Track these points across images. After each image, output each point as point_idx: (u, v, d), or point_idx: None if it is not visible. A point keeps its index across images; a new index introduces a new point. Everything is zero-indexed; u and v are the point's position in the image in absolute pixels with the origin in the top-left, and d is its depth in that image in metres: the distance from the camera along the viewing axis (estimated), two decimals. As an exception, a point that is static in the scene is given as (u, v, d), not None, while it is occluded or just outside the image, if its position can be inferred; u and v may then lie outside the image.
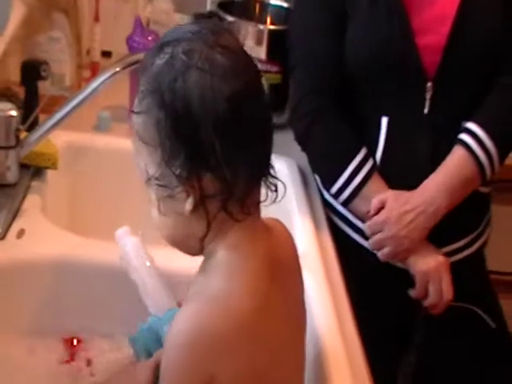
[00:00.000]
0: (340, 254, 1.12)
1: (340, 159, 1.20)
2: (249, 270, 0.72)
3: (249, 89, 0.71)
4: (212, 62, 0.69)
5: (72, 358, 1.00)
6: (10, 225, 1.05)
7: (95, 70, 1.56)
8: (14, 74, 1.29)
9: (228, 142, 0.69)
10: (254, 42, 1.40)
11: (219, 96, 0.68)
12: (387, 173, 1.19)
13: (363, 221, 1.20)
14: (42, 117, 1.23)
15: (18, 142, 1.10)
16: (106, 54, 1.62)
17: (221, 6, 1.49)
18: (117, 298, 1.00)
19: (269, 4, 1.54)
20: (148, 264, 0.90)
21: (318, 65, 1.21)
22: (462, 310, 1.23)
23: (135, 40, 1.46)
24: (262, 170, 0.73)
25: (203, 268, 0.75)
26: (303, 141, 1.25)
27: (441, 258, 1.16)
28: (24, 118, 1.15)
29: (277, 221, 0.80)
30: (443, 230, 1.16)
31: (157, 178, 0.71)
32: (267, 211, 0.77)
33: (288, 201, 1.21)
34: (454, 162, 1.16)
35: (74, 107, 1.10)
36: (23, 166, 1.13)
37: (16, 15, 1.20)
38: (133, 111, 0.72)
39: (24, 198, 1.12)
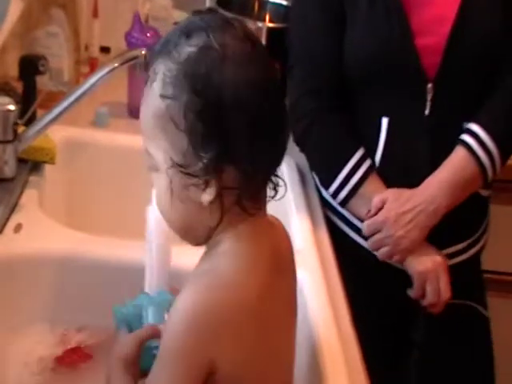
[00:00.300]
0: (337, 252, 1.12)
1: (337, 159, 1.20)
2: (254, 259, 0.73)
3: (275, 85, 0.73)
4: (245, 55, 0.71)
5: (68, 352, 1.00)
6: (7, 219, 1.05)
7: (94, 66, 1.56)
8: (13, 69, 1.29)
9: (257, 137, 0.70)
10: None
11: (253, 93, 0.69)
12: (387, 174, 1.18)
13: (361, 221, 1.20)
14: (39, 112, 1.23)
15: (16, 137, 1.10)
16: (105, 50, 1.62)
17: (219, 3, 1.48)
18: (114, 294, 1.00)
19: (267, 2, 1.54)
20: (162, 243, 0.87)
21: (315, 64, 1.21)
22: (460, 307, 1.23)
23: (134, 36, 1.46)
24: (277, 166, 0.74)
25: (207, 255, 0.75)
26: (301, 141, 1.25)
27: (438, 258, 1.16)
28: (22, 112, 1.15)
29: (276, 219, 0.81)
30: (442, 233, 1.16)
31: (180, 166, 0.70)
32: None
33: (286, 199, 1.21)
34: (455, 163, 1.16)
35: (72, 102, 1.11)
36: (21, 161, 1.13)
37: (14, 10, 1.19)
38: (161, 95, 0.71)
39: (22, 192, 1.12)
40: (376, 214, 1.16)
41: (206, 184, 0.70)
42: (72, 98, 1.10)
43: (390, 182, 1.18)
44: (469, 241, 1.24)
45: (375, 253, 1.18)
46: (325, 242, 1.14)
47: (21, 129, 1.12)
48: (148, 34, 1.46)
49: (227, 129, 0.69)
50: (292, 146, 1.28)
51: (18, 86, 1.25)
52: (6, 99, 1.09)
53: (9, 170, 1.11)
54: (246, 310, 0.71)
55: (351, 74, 1.20)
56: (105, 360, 0.77)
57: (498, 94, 1.19)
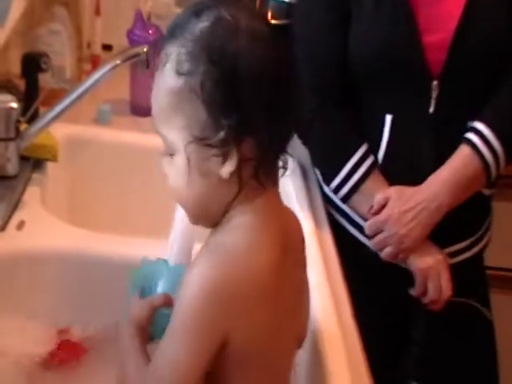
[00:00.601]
0: (339, 249, 1.12)
1: (340, 155, 1.20)
2: (267, 235, 0.73)
3: (287, 54, 0.74)
4: (258, 27, 0.71)
5: (68, 349, 1.00)
6: (10, 216, 1.06)
7: (96, 63, 1.56)
8: (15, 67, 1.30)
9: (271, 105, 0.70)
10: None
11: (269, 60, 0.70)
12: (390, 171, 1.18)
13: (363, 217, 1.20)
14: (42, 109, 1.23)
15: (19, 134, 1.10)
16: (107, 48, 1.62)
17: None
18: (116, 290, 1.00)
19: (269, -2, 1.53)
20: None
21: (318, 63, 1.21)
22: (461, 305, 1.23)
23: (136, 33, 1.46)
24: (290, 140, 0.75)
25: (220, 228, 0.74)
26: (304, 136, 1.25)
27: (439, 256, 1.16)
28: (24, 110, 1.15)
29: (292, 211, 0.82)
30: (444, 231, 1.16)
31: (200, 139, 0.71)
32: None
33: (288, 195, 1.22)
34: (459, 160, 1.15)
35: (75, 100, 1.11)
36: (23, 158, 1.14)
37: (17, 8, 1.20)
38: (177, 72, 0.71)
39: (24, 189, 1.12)
40: (378, 210, 1.16)
41: (226, 156, 0.71)
42: (74, 96, 1.11)
43: (393, 179, 1.18)
44: (471, 239, 1.24)
45: (379, 253, 1.18)
46: (327, 238, 1.14)
47: (23, 126, 1.12)
48: (150, 32, 1.46)
49: (245, 98, 0.69)
50: (294, 142, 1.28)
51: (21, 84, 1.26)
52: (8, 97, 1.10)
53: (11, 168, 1.11)
54: (258, 286, 0.71)
55: (356, 71, 1.20)
56: (103, 356, 0.78)
57: (503, 92, 1.18)
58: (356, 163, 1.18)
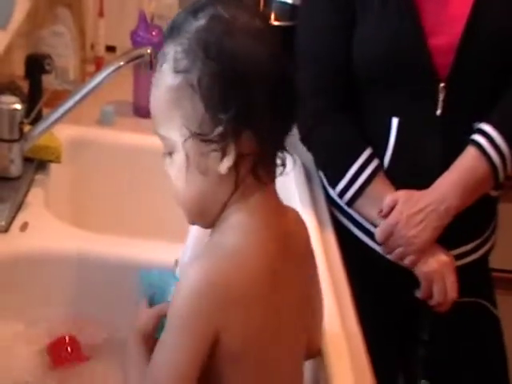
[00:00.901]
0: (343, 251, 1.12)
1: (345, 158, 1.20)
2: (265, 233, 0.73)
3: (283, 53, 0.74)
4: (253, 23, 0.72)
5: (70, 350, 1.00)
6: (13, 218, 1.06)
7: (99, 65, 1.56)
8: (19, 68, 1.30)
9: (268, 100, 0.71)
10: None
11: (263, 56, 0.71)
12: (396, 174, 1.18)
13: (368, 221, 1.20)
14: (45, 110, 1.23)
15: (22, 136, 1.10)
16: (111, 49, 1.63)
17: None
18: (119, 292, 1.00)
19: (273, 0, 1.54)
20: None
21: (322, 65, 1.21)
22: (468, 305, 1.23)
23: (139, 35, 1.46)
24: (288, 134, 0.75)
25: (217, 228, 0.75)
26: (307, 141, 1.25)
27: (444, 258, 1.16)
28: (28, 111, 1.15)
29: (295, 210, 0.81)
30: (451, 233, 1.15)
31: (198, 134, 0.71)
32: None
33: (292, 197, 1.22)
34: (467, 162, 1.15)
35: (78, 101, 1.11)
36: (27, 160, 1.14)
37: (20, 9, 1.20)
38: (174, 70, 0.71)
39: (27, 191, 1.12)
40: (388, 213, 1.16)
41: (224, 152, 0.71)
42: (77, 97, 1.11)
43: (399, 182, 1.18)
44: (477, 241, 1.24)
45: (389, 256, 1.18)
46: (331, 241, 1.14)
47: (27, 128, 1.12)
48: (153, 33, 1.46)
49: (243, 91, 0.70)
50: (297, 145, 1.28)
51: (24, 85, 1.26)
52: (12, 98, 1.10)
53: (15, 169, 1.11)
54: (252, 286, 0.71)
55: (361, 74, 1.20)
56: (103, 360, 0.78)
57: (510, 94, 1.18)
58: (360, 167, 1.18)
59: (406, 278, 1.17)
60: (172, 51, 0.72)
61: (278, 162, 0.75)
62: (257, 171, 0.73)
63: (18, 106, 1.09)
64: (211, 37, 0.70)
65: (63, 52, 1.43)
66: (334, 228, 1.18)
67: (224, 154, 0.71)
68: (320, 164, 1.26)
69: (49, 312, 1.02)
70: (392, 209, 1.16)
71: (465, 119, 1.17)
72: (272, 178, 0.75)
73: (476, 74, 1.16)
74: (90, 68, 1.57)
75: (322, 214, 1.20)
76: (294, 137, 1.25)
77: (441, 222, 1.14)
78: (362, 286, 1.05)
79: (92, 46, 1.61)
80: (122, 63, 1.12)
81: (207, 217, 0.75)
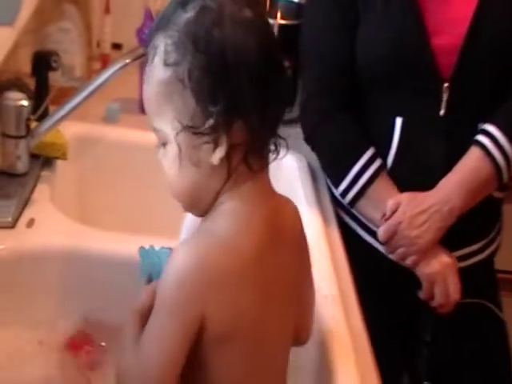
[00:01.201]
0: (348, 251, 1.12)
1: (347, 158, 1.20)
2: (254, 219, 0.74)
3: (273, 39, 0.75)
4: (242, 14, 0.72)
5: (79, 348, 1.00)
6: (20, 214, 1.06)
7: (105, 62, 1.56)
8: (25, 65, 1.30)
9: (259, 90, 0.71)
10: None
11: (253, 46, 0.71)
12: (400, 174, 1.18)
13: (371, 222, 1.20)
14: (51, 107, 1.23)
15: (29, 132, 1.11)
16: (117, 47, 1.63)
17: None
18: (124, 288, 1.01)
19: (279, -2, 1.54)
20: None
21: (326, 65, 1.21)
22: (472, 306, 1.23)
23: (145, 32, 1.46)
24: (279, 123, 0.75)
25: (208, 215, 0.76)
26: (311, 140, 1.25)
27: (446, 259, 1.16)
28: (34, 108, 1.15)
29: (290, 200, 0.82)
30: (455, 234, 1.15)
31: (190, 127, 0.72)
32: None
33: (296, 195, 1.22)
34: (470, 163, 1.15)
35: (84, 98, 1.11)
36: (33, 156, 1.14)
37: (27, 6, 1.20)
38: (165, 64, 0.72)
39: (34, 187, 1.13)
40: (391, 216, 1.16)
41: (216, 143, 0.71)
42: (84, 94, 1.11)
43: (403, 182, 1.18)
44: (482, 242, 1.24)
45: (391, 256, 1.18)
46: (335, 239, 1.14)
47: (33, 124, 1.12)
48: (159, 31, 1.46)
49: (233, 82, 0.70)
50: (302, 143, 1.28)
51: (31, 82, 1.26)
52: (19, 95, 1.10)
53: (22, 166, 1.11)
54: (241, 268, 0.71)
55: (365, 74, 1.20)
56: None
57: None
58: (363, 167, 1.18)
59: (409, 278, 1.17)
60: (162, 44, 0.73)
61: (272, 148, 0.76)
62: (248, 160, 0.73)
63: (25, 103, 1.09)
64: (200, 29, 0.71)
65: (69, 49, 1.44)
66: (338, 227, 1.19)
67: (216, 146, 0.72)
68: (323, 164, 1.26)
69: (54, 308, 1.03)
70: (395, 212, 1.16)
71: (468, 119, 1.17)
72: (264, 165, 0.75)
73: (479, 76, 1.16)
74: (96, 65, 1.57)
75: (327, 213, 1.20)
76: (299, 136, 1.27)
77: (444, 222, 1.14)
78: (366, 286, 1.06)
79: (98, 44, 1.62)
80: (128, 61, 1.12)
81: (200, 206, 0.76)
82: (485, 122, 1.17)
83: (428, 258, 1.15)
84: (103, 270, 1.04)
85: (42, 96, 1.22)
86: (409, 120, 1.17)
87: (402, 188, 1.18)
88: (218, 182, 0.74)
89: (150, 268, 0.81)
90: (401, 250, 1.16)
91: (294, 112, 1.37)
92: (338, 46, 1.20)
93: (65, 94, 1.25)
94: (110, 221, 1.27)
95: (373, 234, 1.21)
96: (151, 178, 1.33)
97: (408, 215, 1.14)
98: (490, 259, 1.27)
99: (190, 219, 0.84)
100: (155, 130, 0.75)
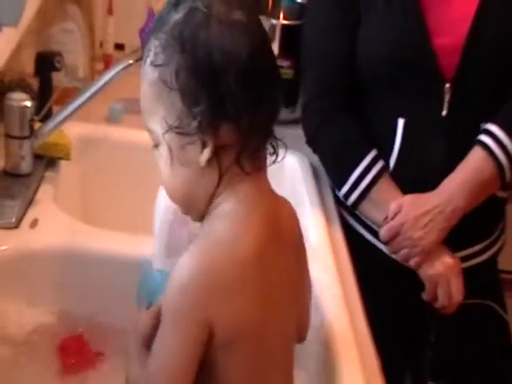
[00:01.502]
0: (351, 251, 1.12)
1: (349, 161, 1.20)
2: (253, 222, 0.74)
3: (263, 41, 0.74)
4: (231, 15, 0.72)
5: (79, 349, 1.01)
6: (23, 214, 1.06)
7: (108, 63, 1.57)
8: (29, 66, 1.30)
9: (247, 91, 0.71)
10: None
11: (240, 47, 0.71)
12: (402, 175, 1.18)
13: (374, 224, 1.20)
14: (55, 108, 1.24)
15: (32, 133, 1.11)
16: (119, 47, 1.63)
17: None
18: (129, 288, 1.01)
19: (281, -1, 1.54)
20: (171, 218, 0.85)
21: (327, 65, 1.21)
22: (476, 306, 1.23)
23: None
24: (272, 125, 0.75)
25: (206, 219, 0.76)
26: (313, 143, 1.25)
27: (449, 261, 1.16)
28: (38, 108, 1.16)
29: (287, 201, 0.82)
30: (459, 235, 1.15)
31: (176, 127, 0.72)
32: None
33: (300, 196, 1.22)
34: (473, 163, 1.15)
35: (88, 99, 1.11)
36: (37, 157, 1.14)
37: (31, 7, 1.20)
38: (152, 64, 0.73)
39: (37, 187, 1.13)
40: (393, 219, 1.15)
41: (204, 145, 0.72)
42: (87, 95, 1.11)
43: (405, 183, 1.18)
44: (486, 242, 1.24)
45: (394, 256, 1.18)
46: (339, 240, 1.14)
47: (37, 125, 1.13)
48: (162, 31, 1.47)
49: (219, 84, 0.70)
50: (305, 144, 1.28)
51: (34, 83, 1.26)
52: (22, 95, 1.10)
53: (25, 166, 1.12)
54: (243, 271, 0.72)
55: (366, 74, 1.20)
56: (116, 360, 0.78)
57: None
58: (365, 169, 1.18)
59: (412, 279, 1.17)
60: (153, 45, 0.73)
61: (271, 150, 0.76)
62: (241, 162, 0.73)
63: (29, 104, 1.09)
64: (187, 30, 0.71)
65: (72, 49, 1.44)
66: (342, 228, 1.19)
67: (203, 147, 0.72)
68: (325, 166, 1.26)
69: (58, 308, 1.03)
70: (397, 215, 1.16)
71: (470, 120, 1.17)
72: (258, 167, 0.75)
73: (481, 76, 1.16)
74: (99, 66, 1.58)
75: (330, 213, 1.20)
76: (301, 137, 1.27)
77: (447, 223, 1.14)
78: (369, 286, 1.05)
79: (101, 44, 1.62)
80: (131, 61, 1.13)
81: (196, 208, 0.76)
82: (487, 122, 1.17)
83: (431, 259, 1.15)
84: (107, 269, 1.04)
85: (45, 96, 1.23)
86: (411, 121, 1.17)
87: (405, 189, 1.18)
88: (211, 184, 0.74)
89: (148, 297, 0.81)
90: (404, 251, 1.16)
91: (297, 112, 1.37)
92: (340, 47, 1.20)
93: (68, 95, 1.26)
94: (113, 221, 1.27)
95: (376, 234, 1.21)
96: (154, 178, 1.33)
97: (411, 216, 1.14)
98: (493, 259, 1.27)
99: (161, 199, 0.83)
100: (149, 131, 0.76)
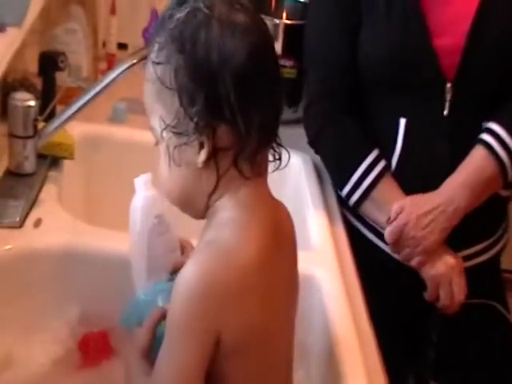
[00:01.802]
0: (354, 251, 1.12)
1: (350, 161, 1.20)
2: (255, 228, 0.74)
3: (264, 45, 0.74)
4: (232, 16, 0.72)
5: (81, 348, 1.01)
6: (27, 214, 1.06)
7: (111, 62, 1.57)
8: (32, 65, 1.31)
9: (245, 94, 0.71)
10: (269, 36, 1.40)
11: (239, 49, 0.71)
12: (404, 175, 1.18)
13: (376, 225, 1.20)
14: (58, 107, 1.24)
15: (36, 132, 1.11)
16: (122, 47, 1.63)
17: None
18: (132, 288, 1.01)
19: (285, -2, 1.54)
20: (154, 222, 0.83)
21: (329, 67, 1.22)
22: (478, 306, 1.23)
23: (151, 32, 1.47)
24: (273, 129, 0.75)
25: (208, 225, 0.76)
26: (315, 144, 1.25)
27: (451, 261, 1.16)
28: (42, 108, 1.16)
29: (283, 204, 0.82)
30: (461, 234, 1.16)
31: (173, 126, 0.72)
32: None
33: (303, 196, 1.22)
34: (475, 162, 1.15)
35: (91, 98, 1.12)
36: (40, 156, 1.14)
37: (34, 7, 1.20)
38: (153, 62, 0.73)
39: (41, 187, 1.13)
40: (396, 219, 1.16)
41: (201, 146, 0.72)
42: (91, 94, 1.12)
43: (407, 183, 1.18)
44: (488, 241, 1.24)
45: (396, 256, 1.18)
46: (341, 239, 1.15)
47: (41, 125, 1.13)
48: (165, 31, 1.47)
49: (215, 85, 0.70)
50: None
51: (38, 83, 1.26)
52: (26, 95, 1.10)
53: (29, 166, 1.12)
54: (247, 279, 0.72)
55: (367, 75, 1.20)
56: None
57: None
58: (366, 169, 1.18)
59: (414, 279, 1.18)
60: (156, 44, 0.74)
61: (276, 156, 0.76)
62: (239, 165, 0.73)
63: (32, 103, 1.09)
64: (187, 30, 0.71)
65: (76, 49, 1.44)
66: (344, 228, 1.19)
67: (201, 148, 0.72)
68: (327, 166, 1.26)
69: (62, 307, 1.03)
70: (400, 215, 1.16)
71: (471, 119, 1.18)
72: (258, 172, 0.75)
73: (483, 75, 1.16)
74: (102, 65, 1.58)
75: (333, 213, 1.21)
76: (304, 137, 1.27)
77: (449, 223, 1.14)
78: (372, 286, 1.06)
79: (104, 44, 1.62)
80: (134, 61, 1.13)
81: (194, 208, 0.76)
82: (489, 121, 1.17)
83: (433, 259, 1.15)
84: (110, 269, 1.04)
85: (49, 96, 1.23)
86: (412, 121, 1.17)
87: (407, 189, 1.18)
88: (208, 185, 0.74)
89: (135, 320, 0.80)
90: (406, 251, 1.16)
91: (300, 112, 1.37)
92: (341, 49, 1.20)
93: (72, 94, 1.26)
94: (117, 220, 1.27)
95: (378, 234, 1.21)
96: (158, 178, 1.33)
97: (414, 216, 1.14)
98: (496, 258, 1.27)
99: (138, 209, 0.83)
100: (151, 129, 0.76)
